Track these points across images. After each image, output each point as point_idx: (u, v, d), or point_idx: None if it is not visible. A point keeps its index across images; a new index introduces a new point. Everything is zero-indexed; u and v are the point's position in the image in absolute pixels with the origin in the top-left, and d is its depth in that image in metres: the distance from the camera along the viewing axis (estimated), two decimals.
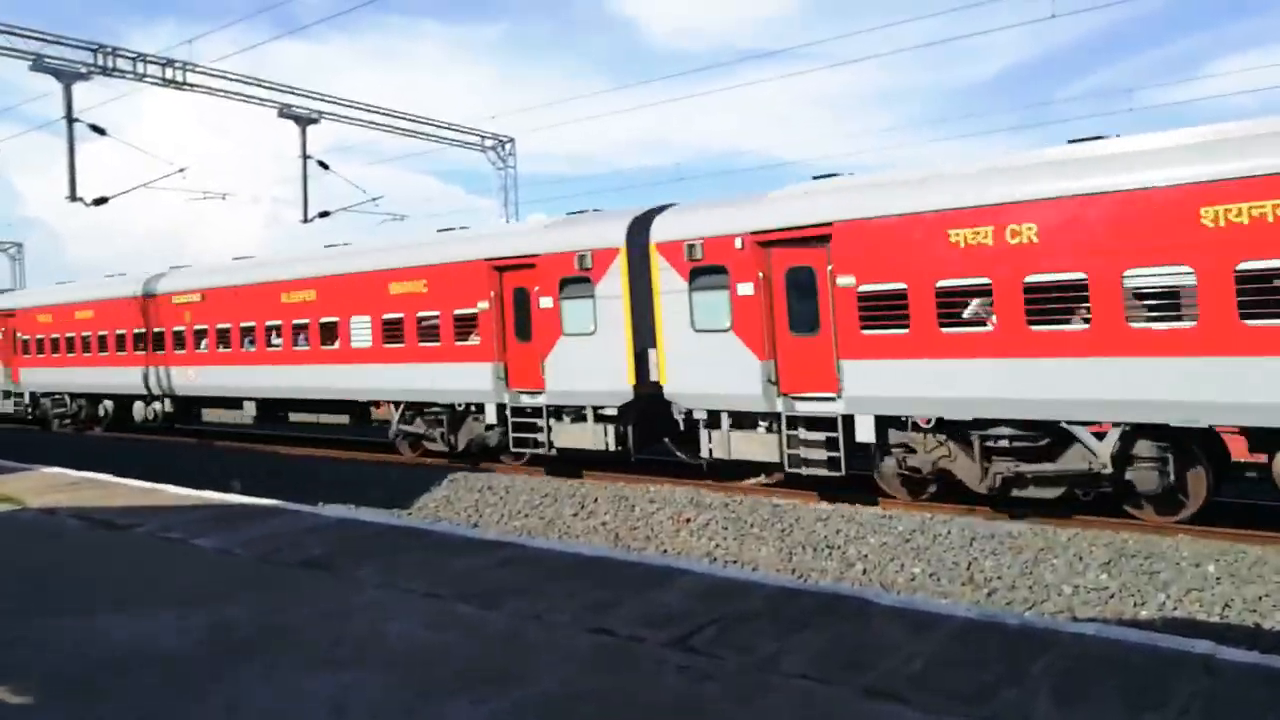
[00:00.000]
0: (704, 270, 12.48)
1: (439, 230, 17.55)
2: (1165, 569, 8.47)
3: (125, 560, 7.61)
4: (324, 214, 26.26)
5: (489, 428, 15.38)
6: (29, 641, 5.46)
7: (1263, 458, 9.57)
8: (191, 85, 22.50)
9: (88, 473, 12.80)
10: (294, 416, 20.72)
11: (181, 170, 23.24)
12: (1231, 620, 7.60)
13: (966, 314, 10.57)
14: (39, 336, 26.68)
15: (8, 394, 28.19)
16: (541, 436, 14.49)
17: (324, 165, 25.58)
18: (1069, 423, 9.79)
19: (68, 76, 20.46)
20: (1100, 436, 9.71)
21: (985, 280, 10.09)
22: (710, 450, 12.75)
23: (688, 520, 11.61)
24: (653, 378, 13.24)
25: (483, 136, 29.57)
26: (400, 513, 13.13)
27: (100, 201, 22.02)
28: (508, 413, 14.98)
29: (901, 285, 10.64)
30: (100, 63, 20.95)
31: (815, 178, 12.37)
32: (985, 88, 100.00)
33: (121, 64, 21.31)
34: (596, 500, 12.82)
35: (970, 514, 10.74)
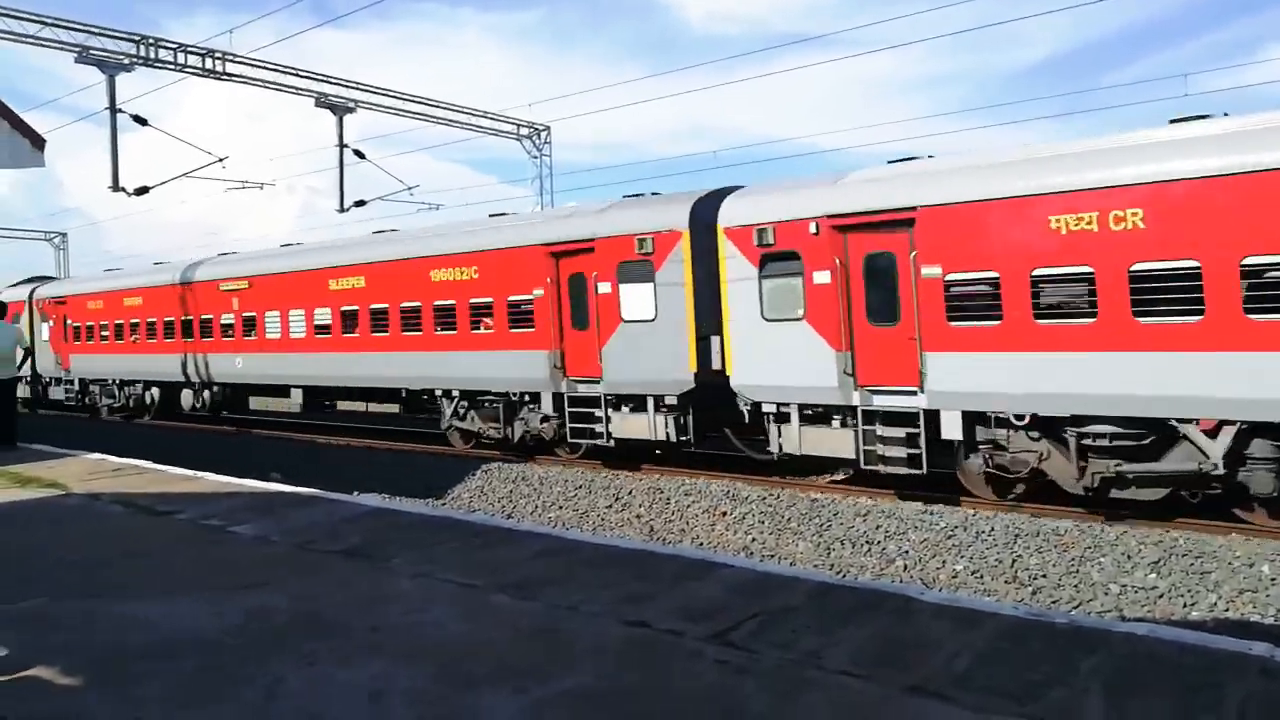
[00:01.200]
0: (776, 256, 12.07)
1: (491, 215, 17.39)
2: (1217, 569, 8.24)
3: (165, 546, 7.68)
4: (360, 203, 26.45)
5: (545, 419, 15.09)
6: (72, 625, 5.51)
7: None
8: (231, 75, 22.77)
9: (130, 459, 12.99)
10: (342, 405, 20.65)
11: (222, 160, 23.52)
12: None
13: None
14: (89, 324, 26.66)
15: (58, 381, 28.17)
16: (599, 427, 14.18)
17: (360, 154, 25.73)
18: (1179, 420, 9.30)
19: (111, 68, 20.78)
20: (1212, 435, 9.16)
21: (1088, 269, 9.66)
22: (780, 445, 12.32)
23: (724, 514, 11.51)
24: (715, 366, 12.87)
25: (518, 125, 29.59)
26: (435, 503, 13.18)
27: (142, 191, 22.36)
28: (565, 402, 14.70)
29: (993, 274, 10.29)
30: (142, 54, 21.27)
31: (891, 161, 11.99)
32: (1031, 74, 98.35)
33: (163, 55, 21.64)
34: (631, 492, 12.77)
35: (1014, 511, 10.53)
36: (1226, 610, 7.63)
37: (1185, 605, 7.78)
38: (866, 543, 10.01)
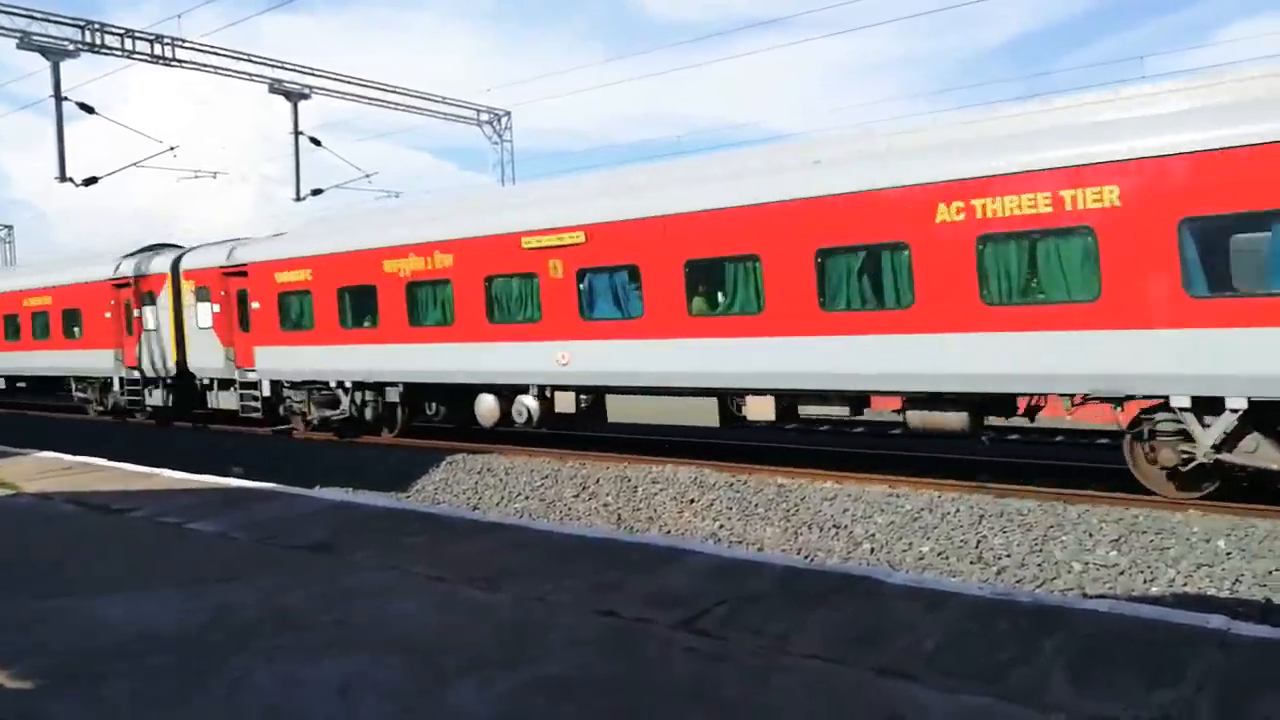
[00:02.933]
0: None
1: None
2: (1175, 545, 8.40)
3: (122, 544, 7.52)
4: (316, 191, 26.05)
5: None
6: (26, 626, 5.37)
7: None
8: (181, 61, 22.27)
9: (83, 457, 12.70)
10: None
11: (173, 149, 23.01)
12: (1243, 595, 7.53)
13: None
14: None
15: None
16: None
17: (316, 142, 25.32)
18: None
19: (55, 54, 20.23)
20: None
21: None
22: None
23: (691, 501, 11.54)
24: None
25: (478, 110, 29.29)
26: (399, 496, 13.05)
27: (90, 181, 21.83)
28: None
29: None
30: (88, 39, 20.72)
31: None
32: (992, 56, 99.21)
33: (110, 40, 21.09)
34: (598, 481, 12.74)
35: (979, 492, 10.65)
36: (1185, 585, 7.78)
37: (1145, 581, 7.92)
38: (834, 526, 10.07)
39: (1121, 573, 8.10)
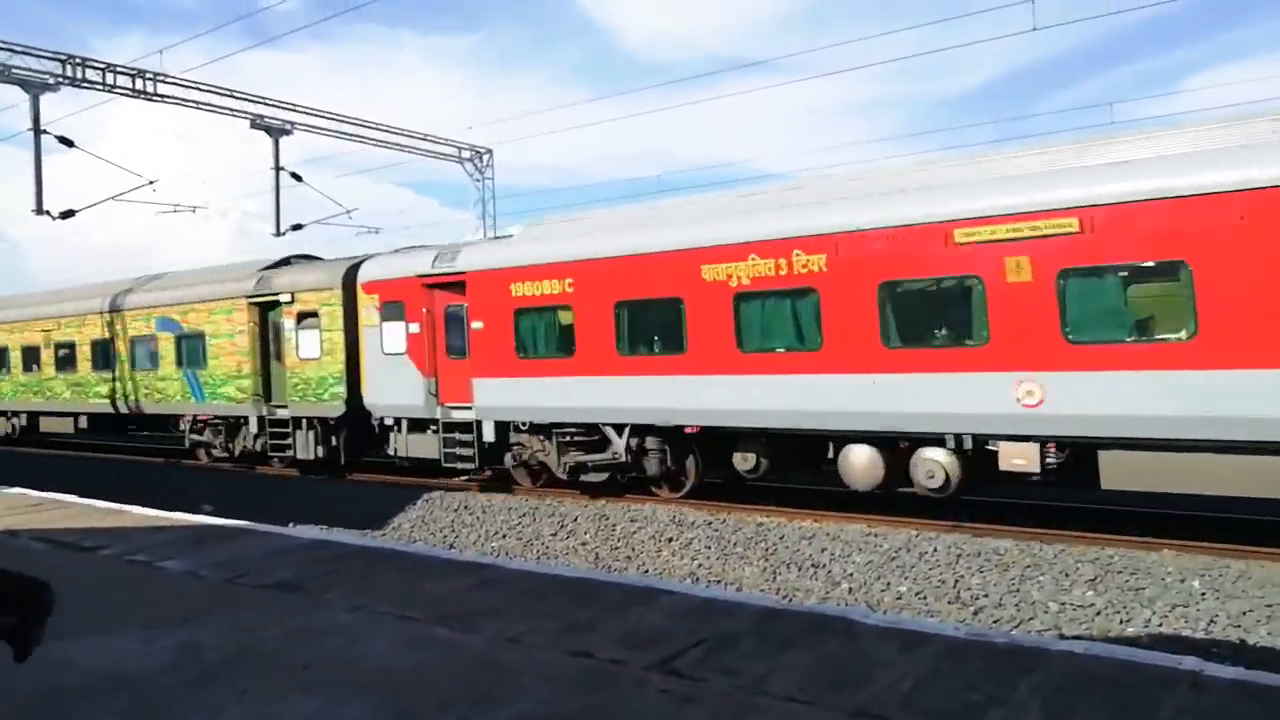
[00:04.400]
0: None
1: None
2: (1150, 585, 8.43)
3: (90, 583, 7.37)
4: (297, 227, 25.99)
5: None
6: None
7: None
8: (162, 96, 22.23)
9: (51, 494, 12.49)
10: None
11: (152, 183, 22.93)
12: (1216, 635, 7.55)
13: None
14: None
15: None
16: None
17: (297, 177, 25.28)
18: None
19: (35, 87, 20.18)
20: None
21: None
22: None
23: (670, 540, 11.47)
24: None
25: (459, 148, 29.44)
26: (374, 534, 12.90)
27: (68, 214, 21.69)
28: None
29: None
30: (68, 73, 20.69)
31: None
32: (968, 100, 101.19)
33: (90, 74, 21.05)
34: (576, 519, 12.66)
35: (956, 531, 10.67)
36: (1160, 625, 7.80)
37: (1121, 622, 7.94)
38: (812, 566, 10.05)
39: (1098, 613, 8.12)
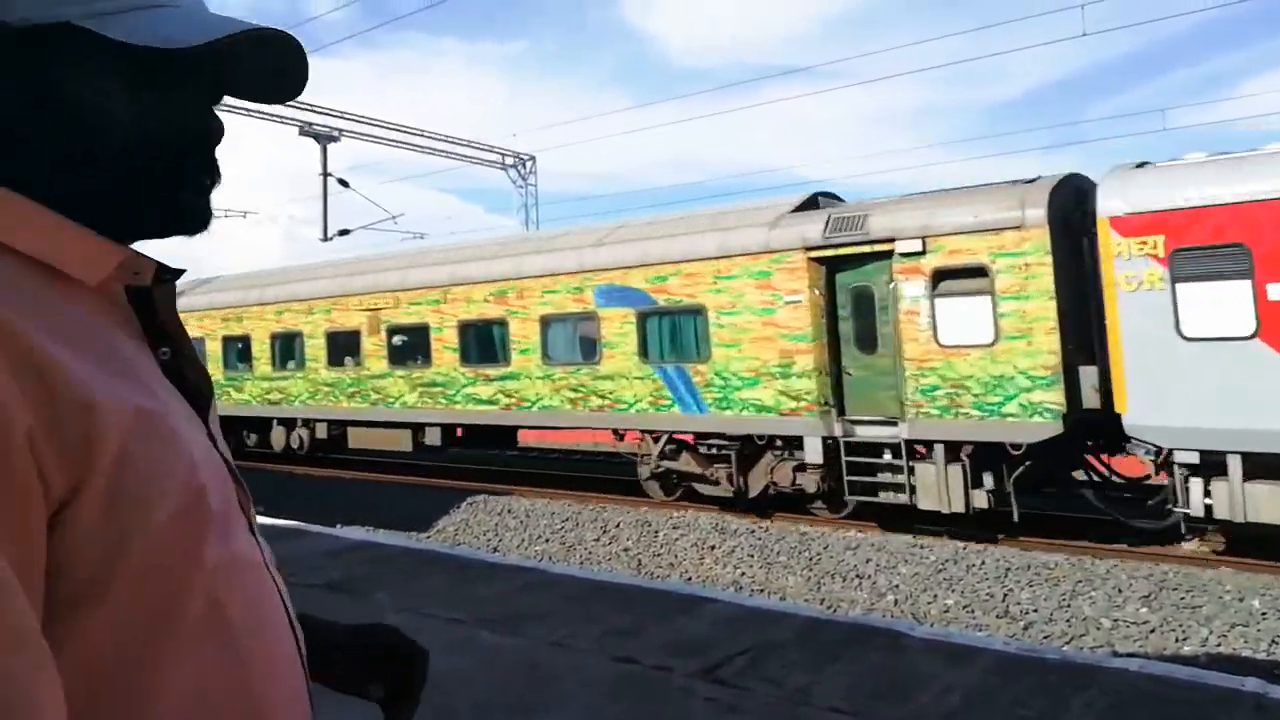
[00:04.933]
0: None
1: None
2: (1208, 603, 8.20)
3: None
4: (344, 232, 26.35)
5: None
6: None
7: None
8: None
9: None
10: None
11: None
12: (1279, 658, 7.32)
13: None
14: None
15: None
16: None
17: (344, 183, 25.60)
18: None
19: None
20: None
21: None
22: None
23: (712, 548, 11.42)
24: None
25: (503, 154, 29.69)
26: (419, 536, 13.03)
27: None
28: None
29: None
30: None
31: None
32: (1014, 107, 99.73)
33: None
34: (619, 525, 12.66)
35: (1004, 544, 10.48)
36: (1219, 645, 7.58)
37: (1177, 640, 7.73)
38: (857, 576, 9.93)
39: (1153, 631, 7.91)
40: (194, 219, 0.97)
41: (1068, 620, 8.34)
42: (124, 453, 0.77)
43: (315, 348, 17.80)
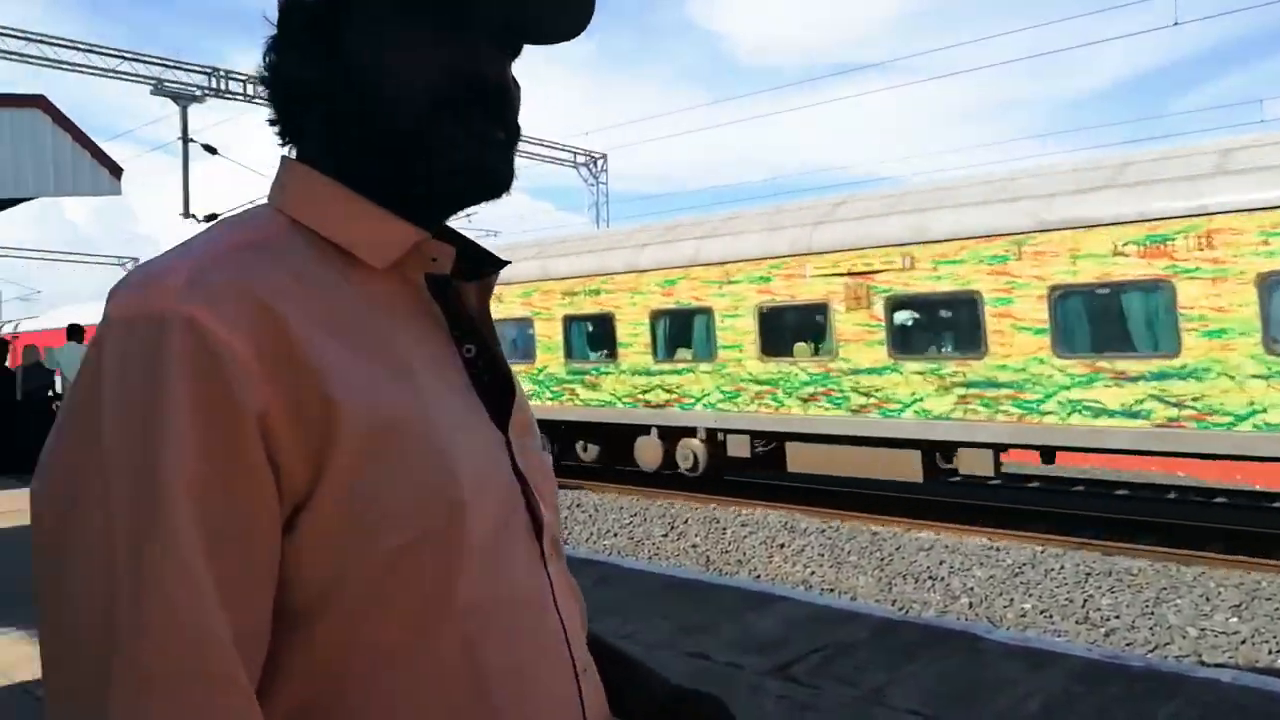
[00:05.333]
0: None
1: None
2: None
3: None
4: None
5: None
6: None
7: None
8: None
9: None
10: None
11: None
12: None
13: None
14: None
15: None
16: None
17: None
18: None
19: (184, 99, 21.53)
20: None
21: None
22: None
23: (781, 546, 11.36)
24: None
25: (575, 153, 29.88)
26: None
27: (211, 218, 23.01)
28: None
29: None
30: (214, 85, 21.99)
31: None
32: (1097, 99, 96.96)
33: (233, 86, 22.32)
34: (687, 521, 12.67)
35: (1084, 548, 10.20)
36: None
37: (1270, 652, 7.42)
38: (930, 578, 9.76)
39: (1243, 641, 7.62)
40: (490, 177, 0.87)
41: (1151, 628, 8.08)
42: (355, 465, 0.69)
43: (732, 329, 12.77)
